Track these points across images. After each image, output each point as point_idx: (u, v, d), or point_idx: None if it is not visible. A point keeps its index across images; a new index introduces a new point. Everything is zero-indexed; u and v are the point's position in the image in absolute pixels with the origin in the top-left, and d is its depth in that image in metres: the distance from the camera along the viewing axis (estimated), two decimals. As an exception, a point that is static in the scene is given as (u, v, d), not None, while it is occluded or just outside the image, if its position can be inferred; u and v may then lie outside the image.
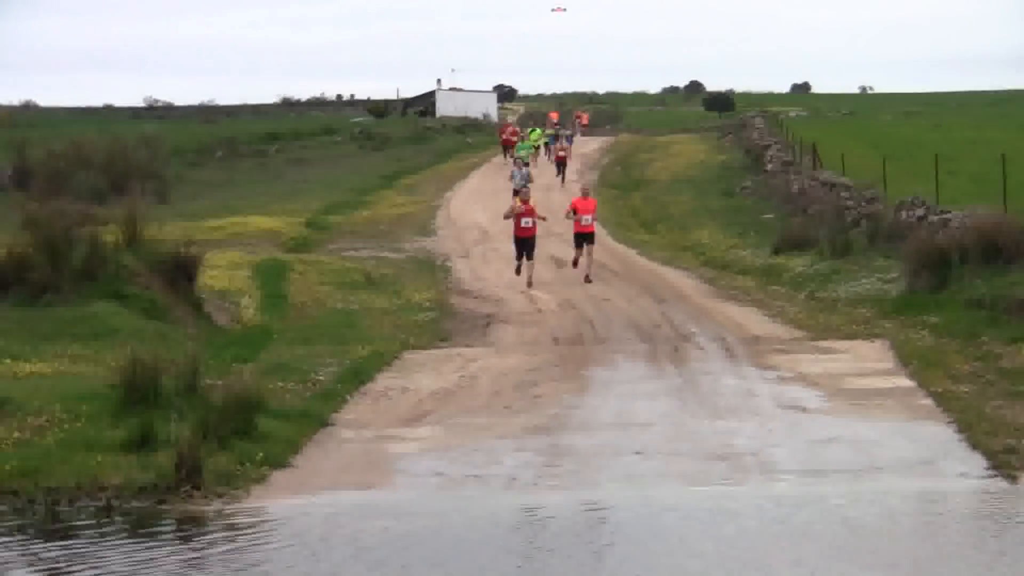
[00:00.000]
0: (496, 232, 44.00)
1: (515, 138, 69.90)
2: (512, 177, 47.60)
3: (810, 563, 13.03)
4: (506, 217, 35.89)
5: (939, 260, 28.06)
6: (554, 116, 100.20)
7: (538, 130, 76.37)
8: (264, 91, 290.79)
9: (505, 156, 70.02)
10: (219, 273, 32.20)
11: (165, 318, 26.03)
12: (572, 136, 76.40)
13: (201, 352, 21.46)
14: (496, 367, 23.73)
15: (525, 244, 34.11)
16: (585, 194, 36.52)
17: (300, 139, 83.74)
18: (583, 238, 34.71)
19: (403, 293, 33.12)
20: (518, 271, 34.41)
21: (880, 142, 56.76)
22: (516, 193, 41.98)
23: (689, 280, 35.15)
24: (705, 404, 20.28)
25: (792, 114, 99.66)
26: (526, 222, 33.99)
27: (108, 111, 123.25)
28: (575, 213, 34.67)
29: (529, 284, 33.66)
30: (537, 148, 69.73)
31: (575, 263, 35.18)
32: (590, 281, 33.98)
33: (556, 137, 71.27)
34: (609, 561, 13.39)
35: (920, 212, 33.60)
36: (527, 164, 50.55)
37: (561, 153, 63.70)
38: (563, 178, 60.71)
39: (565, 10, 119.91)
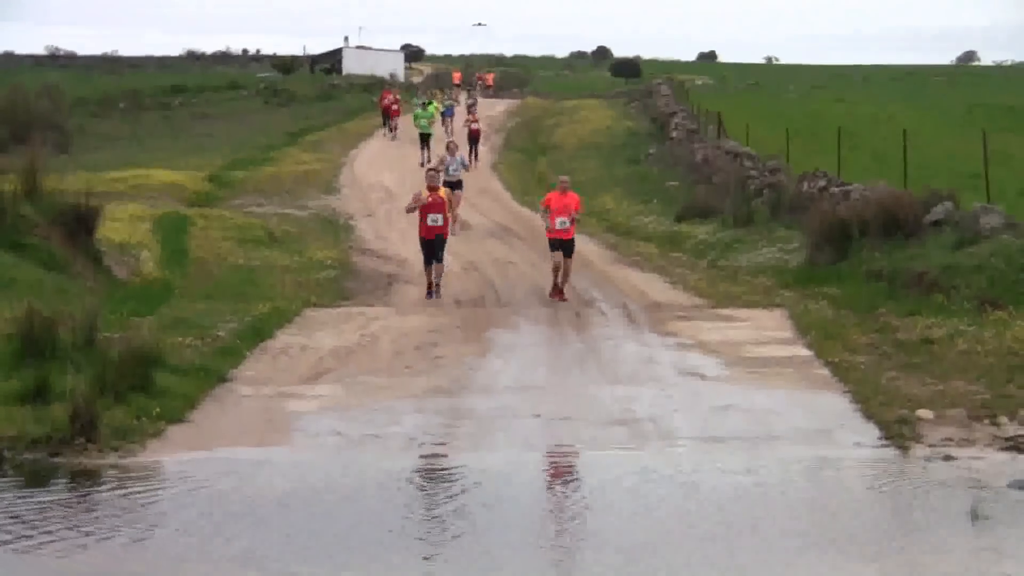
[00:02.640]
0: (401, 192, 43.85)
1: (396, 106, 65.02)
2: (440, 165, 36.84)
3: (701, 526, 13.11)
4: (409, 210, 27.56)
5: (839, 232, 28.35)
6: (456, 76, 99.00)
7: (435, 103, 63.60)
8: (169, 44, 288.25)
9: (386, 126, 65.14)
10: (120, 226, 31.83)
11: (64, 270, 25.71)
12: (474, 105, 67.32)
13: (99, 305, 21.20)
14: (397, 327, 23.67)
15: (433, 247, 26.86)
16: (564, 189, 27.30)
17: (205, 93, 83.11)
18: (559, 247, 26.97)
19: (306, 251, 32.95)
20: (429, 290, 27.34)
21: (784, 115, 57.18)
22: (447, 186, 33.38)
23: (592, 246, 35.24)
24: (605, 370, 20.35)
25: (699, 82, 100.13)
26: (434, 219, 26.60)
27: (8, 59, 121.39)
28: (547, 212, 27.16)
29: (431, 289, 27.33)
30: (432, 121, 57.24)
31: (554, 289, 27.36)
32: (564, 299, 26.97)
33: (453, 107, 66.14)
34: (495, 518, 13.42)
35: (822, 184, 33.91)
36: (454, 145, 39.60)
37: (475, 126, 56.00)
38: (475, 156, 54.06)
39: None
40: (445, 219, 26.64)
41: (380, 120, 68.27)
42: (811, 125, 52.38)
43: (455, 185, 35.34)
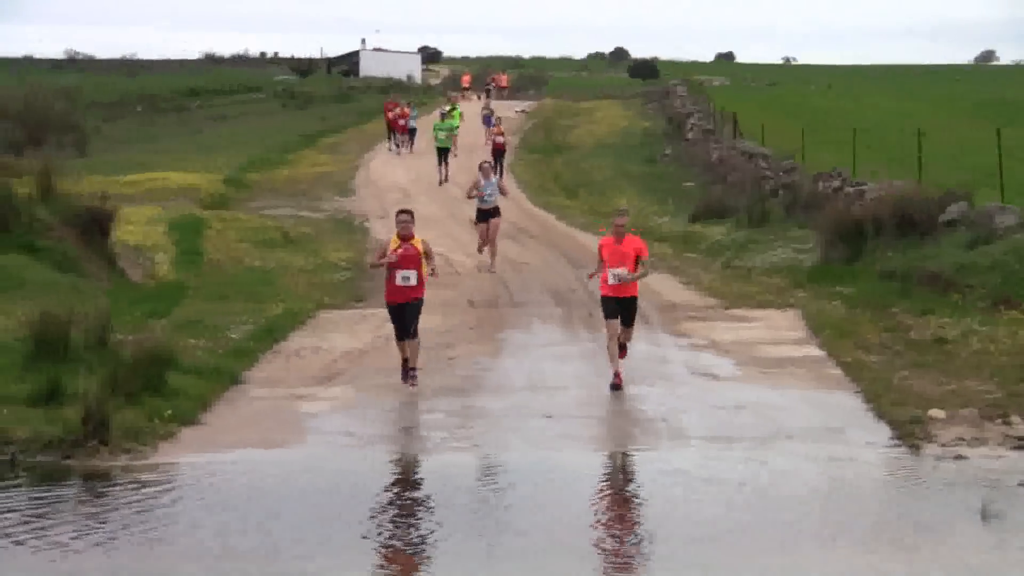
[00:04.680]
0: (416, 193, 43.97)
1: (402, 120, 58.41)
2: (473, 190, 31.46)
3: (711, 522, 13.13)
4: (372, 267, 22.30)
5: (854, 231, 28.31)
6: (466, 79, 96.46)
7: (459, 110, 58.15)
8: (187, 46, 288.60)
9: (391, 140, 59.55)
10: (135, 228, 31.97)
11: (78, 272, 25.80)
12: (491, 115, 58.29)
13: (113, 307, 21.32)
14: (411, 328, 23.64)
15: (404, 315, 19.37)
16: (619, 232, 19.37)
17: (222, 95, 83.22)
18: (615, 310, 19.43)
19: (320, 252, 33.00)
20: (404, 371, 19.53)
21: (800, 114, 57.11)
22: (479, 216, 31.15)
23: (608, 246, 35.18)
24: (618, 369, 20.34)
25: (716, 83, 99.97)
26: (405, 277, 19.17)
27: (27, 62, 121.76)
28: (600, 266, 19.59)
29: (407, 370, 19.44)
30: (452, 133, 50.94)
31: (615, 378, 19.21)
32: (618, 387, 19.04)
33: (489, 117, 57.85)
34: (504, 514, 13.52)
35: (836, 183, 33.88)
36: (488, 162, 34.01)
37: (499, 139, 49.08)
38: (500, 173, 45.13)
39: None
40: (420, 279, 19.27)
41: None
42: (827, 124, 52.25)
43: (492, 213, 30.95)
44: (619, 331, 19.39)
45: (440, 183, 47.20)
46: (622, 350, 19.59)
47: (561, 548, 12.47)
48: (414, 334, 19.37)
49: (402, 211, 19.75)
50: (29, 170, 29.63)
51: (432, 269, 19.56)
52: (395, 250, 19.18)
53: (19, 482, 14.70)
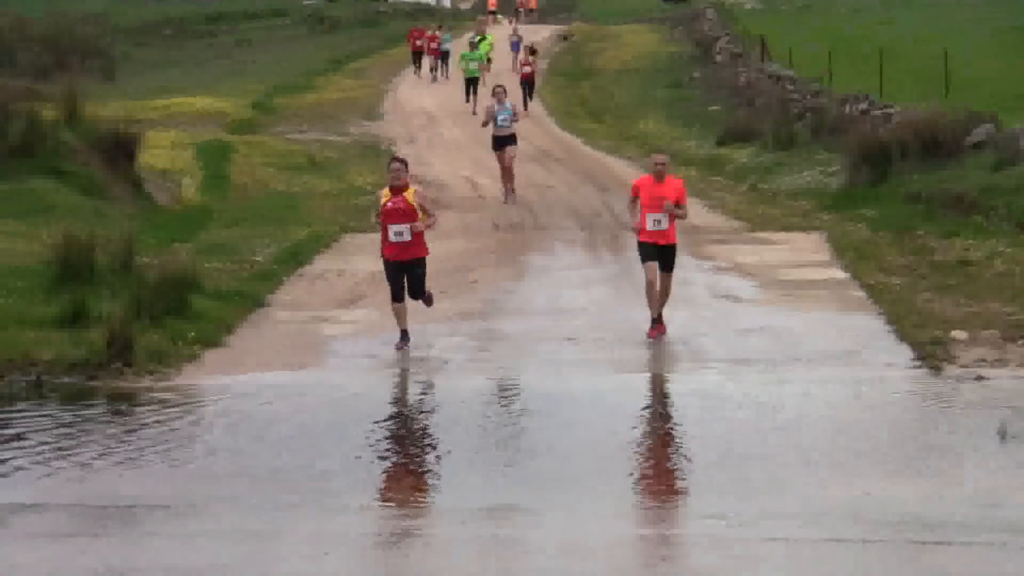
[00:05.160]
0: (442, 117, 43.89)
1: (434, 44, 55.80)
2: (487, 115, 30.42)
3: (724, 443, 13.20)
4: (375, 222, 18.25)
5: (879, 154, 28.18)
6: (492, 2, 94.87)
7: (490, 38, 54.03)
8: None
9: (416, 68, 57.46)
10: (162, 152, 32.03)
11: (104, 196, 25.91)
12: (520, 42, 55.96)
13: (138, 231, 21.45)
14: (434, 252, 23.42)
15: (404, 275, 17.65)
16: (659, 173, 17.84)
17: (249, 20, 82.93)
18: (653, 255, 17.96)
19: (346, 177, 33.05)
20: (400, 343, 17.54)
21: (830, 37, 56.67)
22: (495, 143, 30.11)
23: (632, 170, 35.01)
24: (640, 292, 20.34)
25: (747, 6, 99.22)
26: (398, 232, 17.37)
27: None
28: (635, 205, 18.11)
29: (404, 338, 17.59)
30: (489, 60, 49.07)
31: (654, 324, 17.98)
32: (662, 332, 17.90)
33: (518, 43, 55.56)
34: (516, 432, 13.70)
35: (863, 106, 33.72)
36: (502, 87, 31.14)
37: (527, 69, 47.18)
38: (527, 103, 45.49)
39: None
40: (417, 234, 17.43)
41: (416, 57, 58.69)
42: (857, 47, 51.88)
43: (508, 140, 29.71)
44: (655, 277, 17.83)
45: (473, 113, 44.15)
46: (659, 319, 17.95)
47: (581, 469, 12.55)
48: (415, 293, 17.82)
49: (395, 159, 18.21)
50: (55, 96, 29.67)
51: (429, 224, 17.59)
52: (384, 204, 17.41)
53: (44, 403, 14.84)
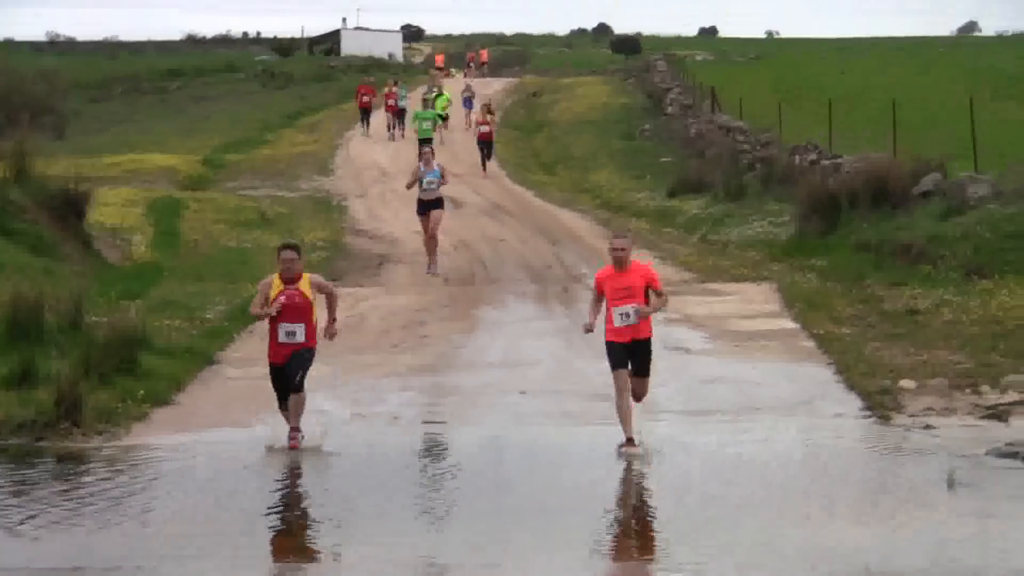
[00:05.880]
0: (394, 172, 43.89)
1: (392, 100, 53.60)
2: (413, 178, 28.56)
3: (677, 490, 13.20)
4: (256, 315, 15.95)
5: (829, 204, 28.39)
6: (439, 59, 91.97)
7: (445, 95, 52.28)
8: (169, 27, 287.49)
9: (364, 125, 55.85)
10: (112, 210, 31.97)
11: (53, 254, 25.76)
12: (473, 98, 56.34)
13: (87, 288, 21.34)
14: (386, 306, 23.76)
15: (287, 373, 15.50)
16: (620, 259, 15.12)
17: (203, 76, 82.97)
18: (623, 357, 15.19)
19: (297, 232, 32.94)
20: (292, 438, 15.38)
21: (779, 87, 57.11)
22: (419, 207, 28.16)
23: (584, 222, 35.29)
24: (591, 344, 20.32)
25: (699, 58, 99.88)
26: (289, 332, 15.40)
27: (8, 45, 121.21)
28: (598, 300, 15.33)
29: (294, 435, 15.39)
30: (444, 118, 48.95)
31: (627, 443, 14.97)
32: (633, 447, 14.88)
33: (470, 100, 55.26)
34: (459, 485, 13.63)
35: (812, 156, 33.97)
36: (430, 149, 29.71)
37: (484, 128, 45.02)
38: (485, 163, 44.62)
39: None
40: (309, 328, 15.42)
41: (377, 100, 56.88)
42: (806, 97, 52.30)
43: (433, 204, 27.88)
44: (626, 384, 15.13)
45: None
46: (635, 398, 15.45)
47: (527, 514, 12.52)
48: (299, 387, 15.39)
49: (286, 246, 15.73)
50: (4, 153, 29.51)
51: (329, 324, 15.70)
52: (276, 297, 15.33)
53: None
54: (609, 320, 15.13)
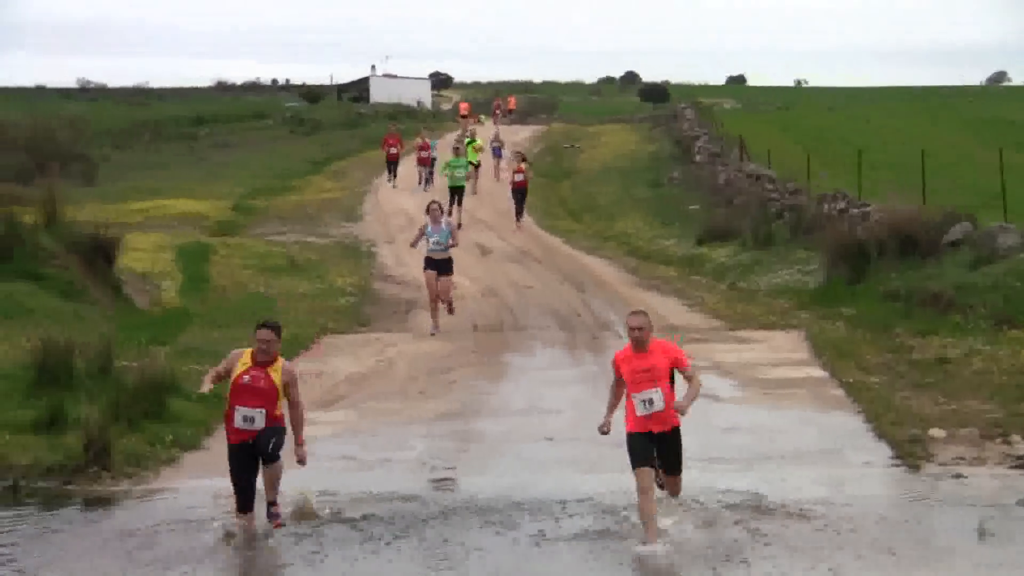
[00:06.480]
0: (421, 218, 43.82)
1: (424, 152, 52.17)
2: (418, 236, 26.55)
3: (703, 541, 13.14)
4: (206, 386, 14.32)
5: (857, 252, 28.35)
6: (464, 107, 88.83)
7: (478, 140, 51.46)
8: (199, 75, 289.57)
9: (391, 176, 54.26)
10: (142, 255, 32.10)
11: (82, 299, 25.88)
12: (502, 148, 56.46)
13: (116, 334, 21.41)
14: (413, 352, 23.76)
15: (246, 459, 13.84)
16: (639, 340, 13.55)
17: (230, 123, 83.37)
18: (653, 449, 13.48)
19: (326, 278, 33.06)
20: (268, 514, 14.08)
21: (808, 136, 57.16)
22: (427, 264, 26.13)
23: (612, 269, 35.27)
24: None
25: (727, 106, 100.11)
26: (247, 418, 13.70)
27: (40, 92, 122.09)
28: (617, 385, 13.80)
29: (270, 516, 14.10)
30: (476, 165, 47.77)
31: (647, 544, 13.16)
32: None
33: (499, 149, 54.62)
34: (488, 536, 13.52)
35: (841, 205, 33.91)
36: (438, 205, 26.65)
37: (519, 177, 42.77)
38: (520, 215, 42.96)
39: None
40: (272, 417, 13.71)
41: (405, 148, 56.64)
42: (835, 146, 52.34)
43: (442, 265, 25.96)
44: (650, 482, 13.31)
45: (459, 225, 38.57)
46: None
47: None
48: (273, 456, 13.73)
49: (264, 325, 14.18)
50: (35, 199, 29.72)
51: (297, 444, 13.87)
52: (238, 376, 13.73)
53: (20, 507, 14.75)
54: (630, 408, 13.44)
